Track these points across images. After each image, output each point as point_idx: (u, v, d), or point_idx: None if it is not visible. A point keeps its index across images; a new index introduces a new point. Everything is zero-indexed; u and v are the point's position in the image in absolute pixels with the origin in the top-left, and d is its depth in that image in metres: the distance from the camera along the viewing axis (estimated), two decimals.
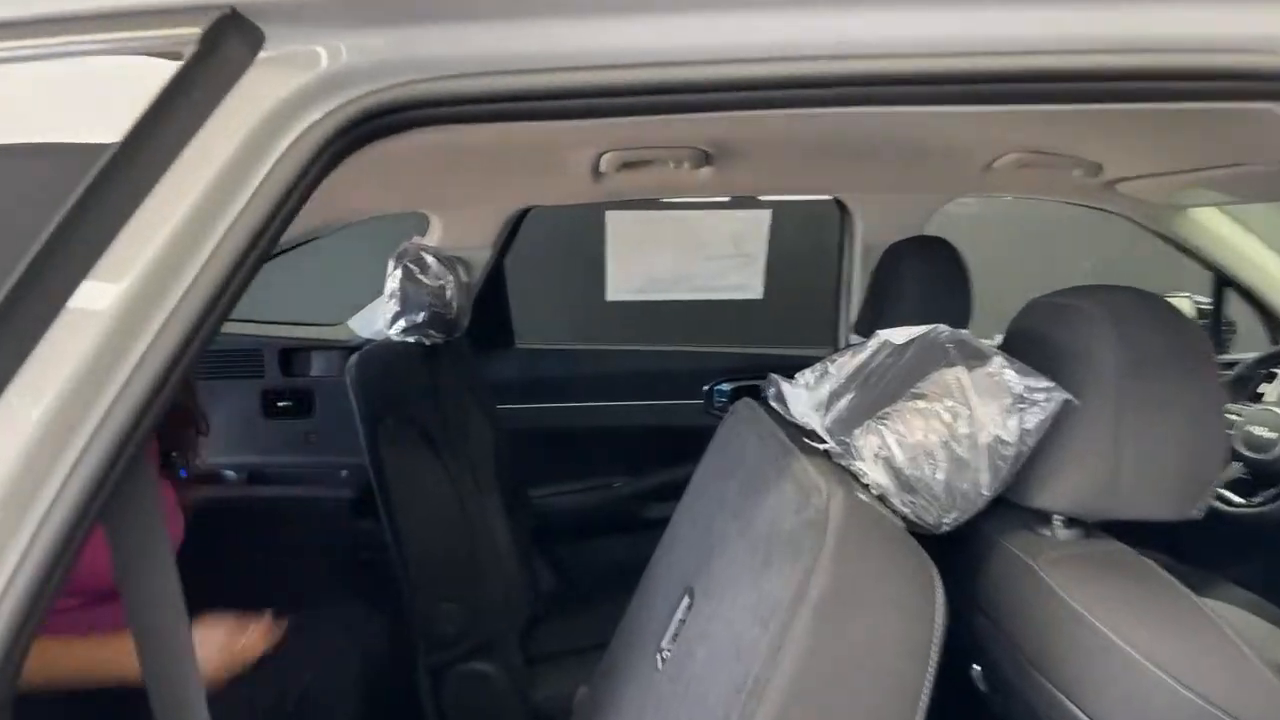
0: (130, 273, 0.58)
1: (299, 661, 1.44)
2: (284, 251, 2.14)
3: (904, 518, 0.88)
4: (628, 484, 2.27)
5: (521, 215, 2.11)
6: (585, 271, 2.34)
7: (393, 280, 1.66)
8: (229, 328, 2.11)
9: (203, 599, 1.76)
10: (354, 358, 1.58)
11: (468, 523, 1.60)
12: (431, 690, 1.62)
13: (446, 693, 1.62)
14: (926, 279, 1.48)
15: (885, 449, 0.87)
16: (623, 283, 2.25)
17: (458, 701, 1.62)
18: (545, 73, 0.69)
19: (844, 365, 1.00)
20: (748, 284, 2.29)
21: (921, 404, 0.88)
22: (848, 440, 0.89)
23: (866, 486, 0.88)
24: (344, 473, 2.09)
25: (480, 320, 2.21)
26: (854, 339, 2.10)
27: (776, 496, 0.84)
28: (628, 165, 1.93)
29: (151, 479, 0.65)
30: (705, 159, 1.90)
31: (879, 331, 1.01)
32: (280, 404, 2.14)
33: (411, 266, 1.65)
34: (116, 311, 0.57)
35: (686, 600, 0.98)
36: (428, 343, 1.70)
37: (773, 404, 1.06)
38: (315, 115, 0.63)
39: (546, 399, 2.29)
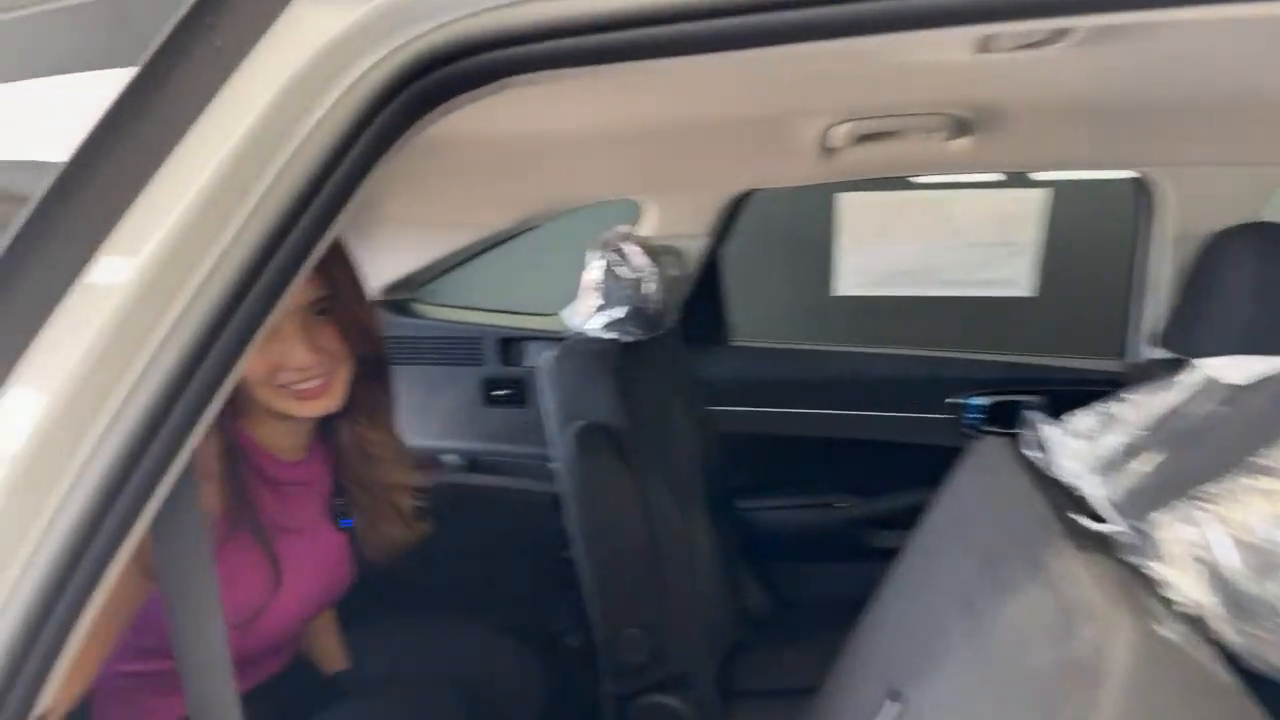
0: (145, 249, 0.46)
1: (477, 664, 1.37)
2: (504, 241, 2.11)
3: (1232, 658, 0.58)
4: (852, 505, 2.00)
5: (740, 200, 1.91)
6: (810, 262, 2.08)
7: (592, 272, 1.54)
8: (451, 315, 2.14)
9: (401, 580, 1.75)
10: (549, 355, 1.48)
11: (656, 545, 1.44)
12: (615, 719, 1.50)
13: None
14: (1268, 282, 1.09)
15: (1208, 547, 0.57)
16: (854, 275, 1.98)
17: None
18: None
19: (1143, 407, 0.70)
20: (1015, 279, 1.93)
21: (1273, 483, 0.58)
22: (1145, 527, 0.61)
23: (1172, 605, 0.59)
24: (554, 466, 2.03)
25: (694, 314, 2.04)
26: (1156, 353, 1.68)
27: (1026, 607, 0.58)
28: (864, 138, 1.66)
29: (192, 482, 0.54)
30: (963, 128, 1.58)
31: (1200, 362, 0.70)
32: (498, 393, 2.11)
33: (611, 258, 1.51)
34: (131, 295, 0.46)
35: (895, 708, 0.74)
36: (628, 340, 1.55)
37: (1027, 452, 0.78)
38: (370, 59, 0.47)
39: (763, 402, 2.07)
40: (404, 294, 2.15)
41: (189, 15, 0.45)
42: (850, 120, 1.61)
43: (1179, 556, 0.59)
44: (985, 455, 0.88)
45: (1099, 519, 0.66)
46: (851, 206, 1.89)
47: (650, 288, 1.51)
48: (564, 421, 1.43)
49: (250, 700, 1.05)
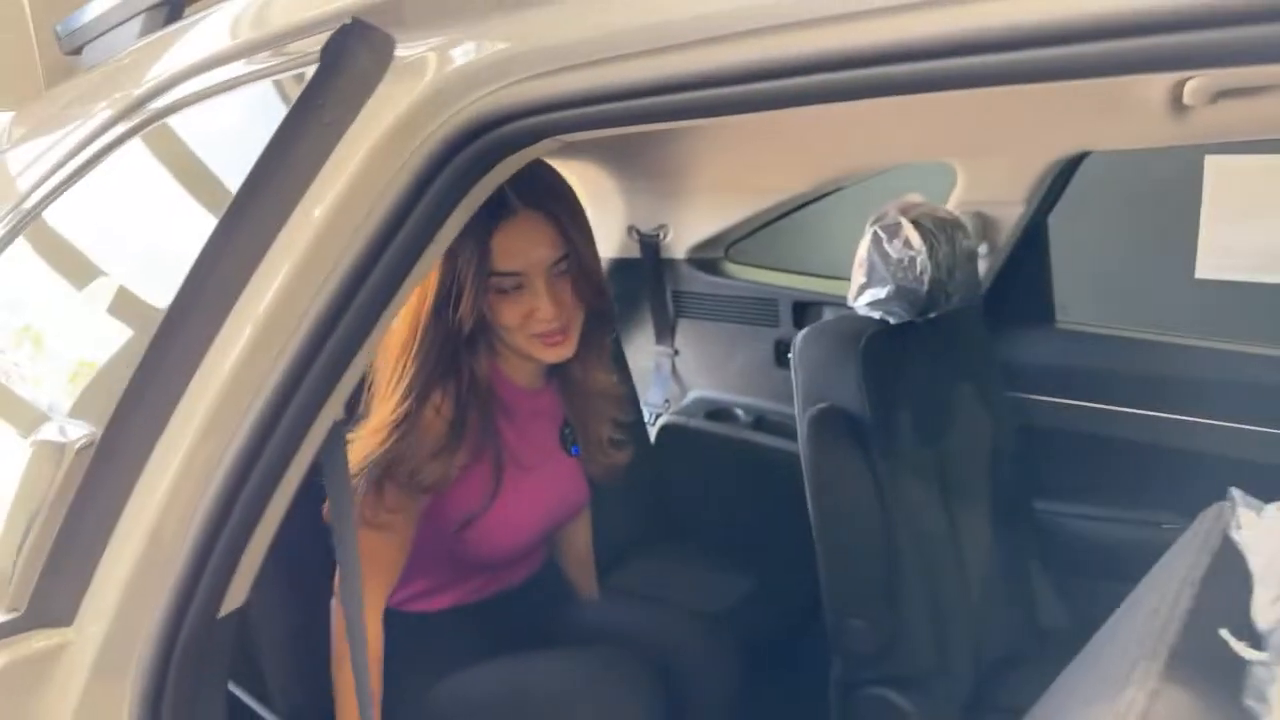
0: (283, 269, 0.59)
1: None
2: (810, 203, 2.08)
3: None
4: (1183, 529, 1.68)
5: (1073, 163, 1.65)
6: (1162, 237, 1.74)
7: (862, 247, 1.47)
8: (754, 275, 2.19)
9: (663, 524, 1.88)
10: (801, 335, 1.46)
11: (891, 538, 1.38)
12: (839, 704, 1.48)
13: (852, 713, 1.46)
14: None
15: None
16: (1222, 256, 1.62)
17: None
18: (703, 46, 0.47)
19: None
20: None
21: None
22: (1266, 685, 0.48)
23: None
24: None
25: (1008, 291, 1.84)
26: None
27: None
28: (1228, 94, 1.34)
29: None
30: None
31: None
32: (789, 355, 2.13)
33: (880, 233, 1.43)
34: (274, 300, 0.60)
35: None
36: (893, 320, 1.47)
37: (1233, 535, 0.63)
38: (429, 127, 0.54)
39: (1090, 396, 1.81)
40: (711, 253, 2.23)
41: (304, 96, 0.56)
42: (1210, 71, 1.31)
43: None
44: (1206, 521, 0.71)
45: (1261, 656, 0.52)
46: (1222, 172, 1.54)
47: (921, 266, 1.41)
48: (805, 404, 1.41)
49: (482, 609, 1.25)
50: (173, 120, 0.74)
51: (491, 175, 0.56)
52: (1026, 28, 0.42)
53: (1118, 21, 0.39)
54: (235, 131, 0.65)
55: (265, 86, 0.62)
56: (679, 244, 2.18)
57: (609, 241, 2.19)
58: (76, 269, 0.93)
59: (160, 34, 0.90)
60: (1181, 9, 0.37)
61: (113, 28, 1.12)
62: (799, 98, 0.49)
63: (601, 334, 1.23)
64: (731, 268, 2.22)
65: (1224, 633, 0.54)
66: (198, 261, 0.60)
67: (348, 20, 0.54)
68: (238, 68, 0.66)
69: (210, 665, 0.70)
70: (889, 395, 1.42)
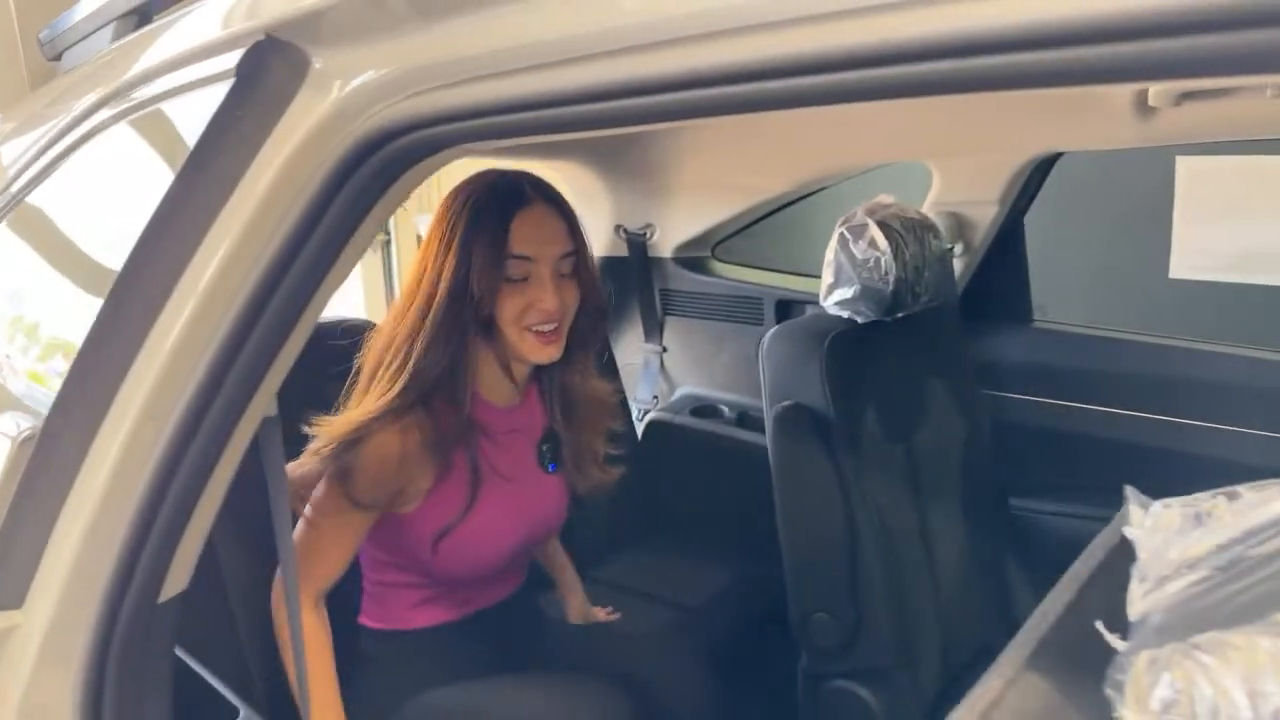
0: (203, 280, 0.62)
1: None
2: (793, 202, 2.10)
3: None
4: None
5: (1047, 164, 1.66)
6: (1138, 237, 1.76)
7: (830, 248, 1.49)
8: (739, 274, 2.21)
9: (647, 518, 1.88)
10: (769, 333, 1.48)
11: (854, 534, 1.40)
12: (806, 696, 1.50)
13: (818, 706, 1.48)
14: None
15: (1182, 703, 0.46)
16: (1196, 256, 1.62)
17: (824, 719, 1.47)
18: (605, 59, 0.50)
19: (1250, 511, 0.55)
20: None
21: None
22: (1122, 675, 0.50)
23: None
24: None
25: (983, 289, 1.85)
26: None
27: None
28: (1193, 96, 1.35)
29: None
30: None
31: None
32: None
33: (846, 234, 1.45)
34: (197, 304, 0.63)
35: None
36: (860, 320, 1.49)
37: (1126, 531, 0.65)
38: (338, 135, 0.57)
39: (1065, 394, 1.82)
40: (697, 251, 2.25)
41: (221, 109, 0.59)
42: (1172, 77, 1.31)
43: (1151, 711, 0.47)
44: (1116, 519, 0.73)
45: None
46: (1194, 173, 1.55)
47: (886, 267, 1.43)
48: (772, 401, 1.43)
49: (466, 624, 1.26)
50: (120, 127, 0.77)
51: (401, 183, 0.59)
52: (989, 33, 0.41)
53: (1101, 26, 0.38)
54: (173, 140, 0.68)
55: (197, 97, 0.65)
56: (665, 243, 2.20)
57: (597, 240, 2.22)
58: (45, 264, 0.97)
59: (124, 41, 0.93)
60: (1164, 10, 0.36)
61: (89, 34, 1.15)
62: (673, 111, 0.51)
63: (596, 338, 1.23)
64: (718, 266, 2.24)
65: (1098, 624, 0.56)
66: (129, 263, 0.63)
67: (261, 37, 0.57)
68: (176, 77, 0.69)
69: (153, 650, 0.73)
70: (854, 392, 1.43)
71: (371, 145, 0.56)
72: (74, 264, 0.89)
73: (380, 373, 1.09)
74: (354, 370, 1.15)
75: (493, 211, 1.07)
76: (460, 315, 1.06)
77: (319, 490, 1.07)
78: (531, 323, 1.09)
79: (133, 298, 0.64)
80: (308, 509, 1.06)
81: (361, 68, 0.57)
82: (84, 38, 1.16)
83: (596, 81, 0.51)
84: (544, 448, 1.26)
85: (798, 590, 1.44)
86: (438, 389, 1.09)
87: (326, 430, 1.04)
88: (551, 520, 1.30)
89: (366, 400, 1.08)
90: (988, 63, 0.44)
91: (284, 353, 0.64)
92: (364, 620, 1.25)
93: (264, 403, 0.67)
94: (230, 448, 0.66)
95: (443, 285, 1.06)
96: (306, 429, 1.05)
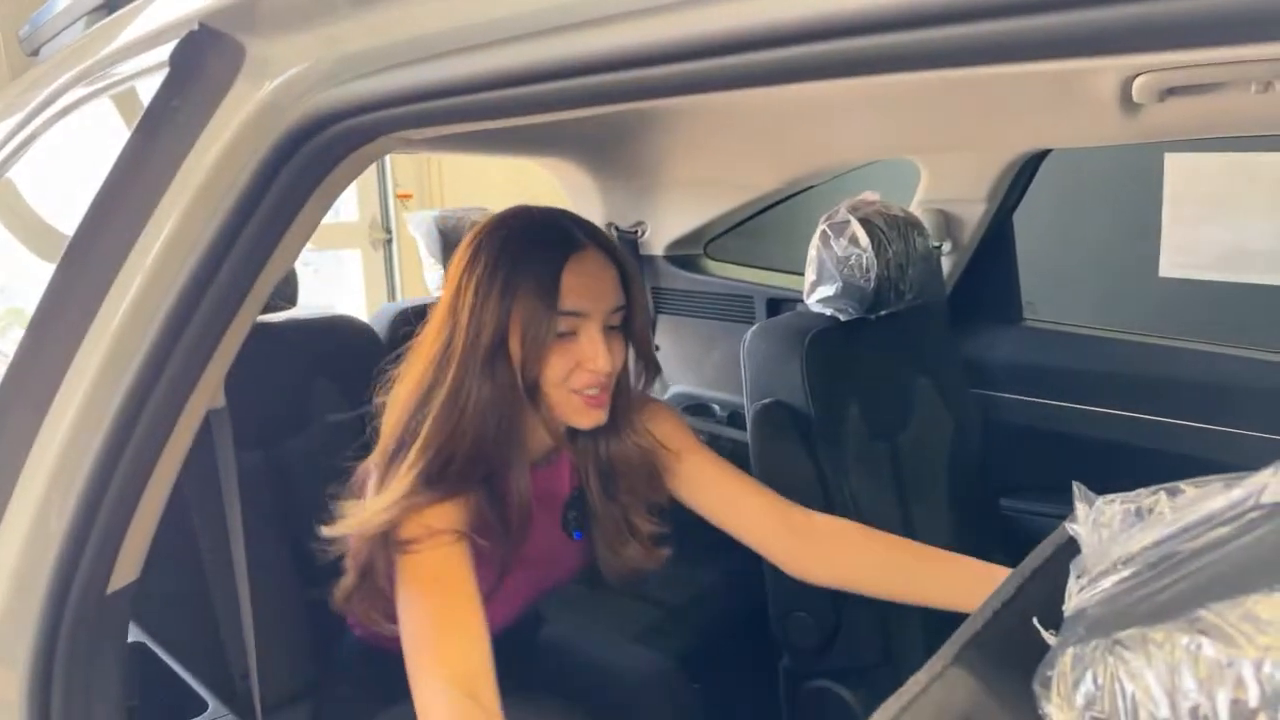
0: (139, 274, 0.62)
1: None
2: (780, 202, 2.09)
3: None
4: None
5: (1035, 161, 1.65)
6: (1129, 236, 1.74)
7: (813, 245, 1.48)
8: (730, 272, 2.20)
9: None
10: (750, 331, 1.47)
11: None
12: (787, 695, 1.50)
13: (799, 705, 1.47)
14: None
15: (1105, 699, 0.45)
16: (1185, 254, 1.60)
17: (805, 718, 1.46)
18: (538, 38, 0.49)
19: (1190, 506, 0.54)
20: None
21: (1202, 644, 0.44)
22: (1051, 671, 0.49)
23: None
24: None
25: (972, 288, 1.84)
26: None
27: None
28: (1176, 91, 1.33)
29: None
30: None
31: None
32: None
33: (828, 231, 1.44)
34: (133, 298, 0.63)
35: None
36: (842, 318, 1.48)
37: (1070, 527, 0.64)
38: (272, 124, 0.57)
39: (1056, 393, 1.80)
40: (689, 249, 2.24)
41: (156, 99, 0.59)
42: (1155, 71, 1.30)
43: (1073, 708, 0.46)
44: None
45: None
46: (1183, 170, 1.53)
47: (866, 264, 1.42)
48: (752, 399, 1.43)
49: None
50: (75, 115, 0.78)
51: (338, 172, 0.59)
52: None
53: None
54: (119, 128, 0.69)
55: (142, 86, 0.65)
56: (657, 240, 2.20)
57: None
58: (11, 246, 0.97)
59: (88, 32, 0.94)
60: None
61: (63, 29, 1.16)
62: (609, 94, 0.50)
63: (645, 400, 1.10)
64: (709, 264, 2.24)
65: (1035, 620, 0.56)
66: (71, 250, 0.63)
67: (196, 27, 0.57)
68: (125, 67, 0.69)
69: (103, 641, 0.73)
70: (835, 390, 1.42)
71: (305, 133, 0.55)
72: (37, 248, 0.89)
73: (405, 453, 0.93)
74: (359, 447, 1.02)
75: (538, 260, 0.94)
76: (504, 376, 0.93)
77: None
78: (579, 385, 0.96)
79: (76, 284, 0.64)
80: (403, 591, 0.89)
81: (295, 56, 0.56)
82: (59, 32, 1.16)
83: (525, 63, 0.50)
84: (571, 514, 1.12)
85: (777, 589, 1.43)
86: (479, 462, 0.94)
87: (353, 523, 0.90)
88: (567, 578, 1.17)
89: (395, 483, 0.91)
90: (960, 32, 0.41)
91: (225, 343, 0.64)
92: (350, 623, 1.22)
93: (208, 394, 0.66)
94: (174, 438, 0.66)
95: (484, 342, 0.92)
96: (325, 529, 0.92)
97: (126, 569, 0.72)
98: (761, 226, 2.22)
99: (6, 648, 0.71)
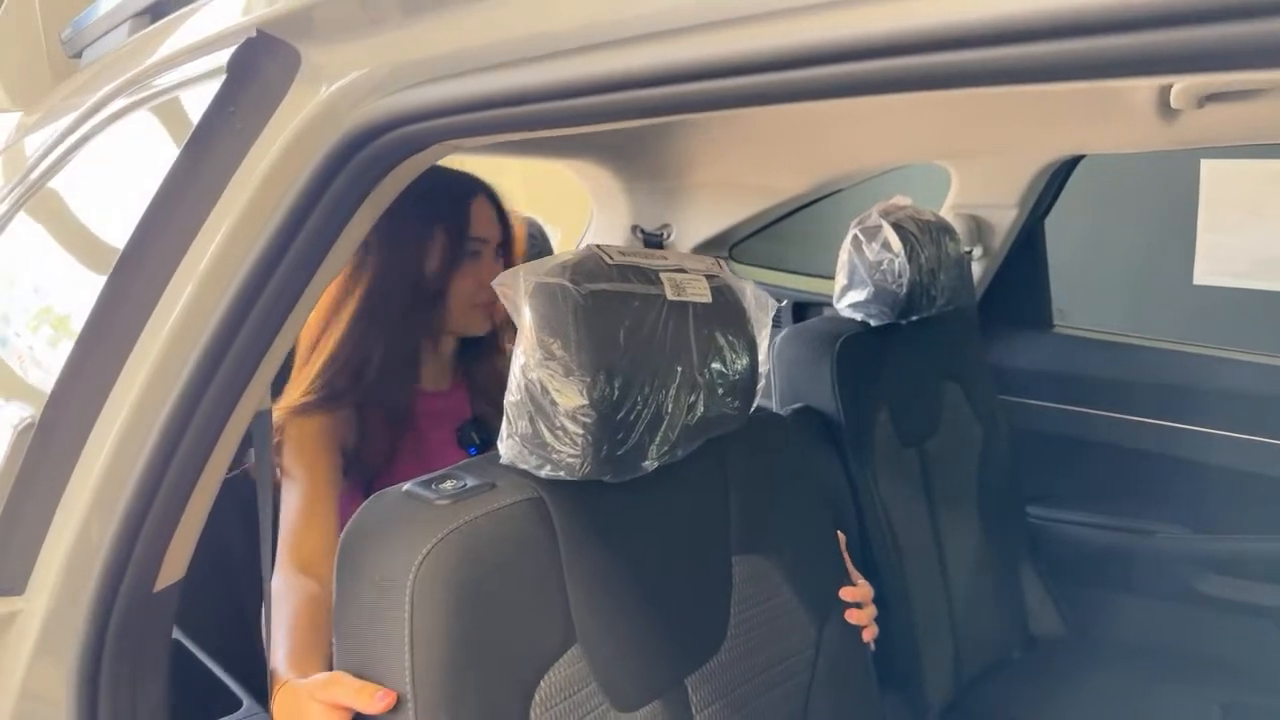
0: (195, 276, 0.63)
1: None
2: (811, 204, 2.08)
3: None
4: (1181, 538, 1.66)
5: (1067, 167, 1.63)
6: (1162, 242, 1.72)
7: (844, 250, 1.47)
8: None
9: None
10: (779, 336, 1.46)
11: (865, 538, 1.38)
12: None
13: None
14: None
15: None
16: (1221, 262, 1.59)
17: None
18: (589, 52, 0.49)
19: None
20: None
21: None
22: None
23: None
24: None
25: (1002, 294, 1.83)
26: None
27: None
28: (1216, 98, 1.31)
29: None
30: None
31: None
32: None
33: (860, 236, 1.44)
34: (185, 306, 0.63)
35: None
36: (873, 323, 1.47)
37: None
38: (325, 132, 0.57)
39: (1086, 401, 1.79)
40: (715, 253, 2.24)
41: (213, 105, 0.60)
42: (1193, 77, 1.29)
43: None
44: None
45: None
46: (1219, 176, 1.51)
47: (899, 269, 1.41)
48: (782, 404, 1.42)
49: None
50: (124, 122, 0.79)
51: (389, 181, 0.59)
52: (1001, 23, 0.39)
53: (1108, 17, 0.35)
54: (173, 135, 0.69)
55: (195, 92, 0.66)
56: (683, 243, 2.19)
57: (614, 240, 2.22)
58: (63, 255, 0.99)
59: (136, 37, 0.95)
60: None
61: (106, 32, 1.17)
62: (662, 107, 0.51)
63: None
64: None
65: None
66: (125, 256, 0.64)
67: (253, 33, 0.58)
68: (177, 73, 0.70)
69: (149, 638, 0.74)
70: (865, 396, 1.42)
71: (359, 140, 0.56)
72: (87, 249, 0.90)
73: (314, 358, 1.12)
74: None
75: (448, 200, 1.17)
76: (408, 299, 1.12)
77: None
78: (484, 300, 1.17)
79: (128, 292, 0.65)
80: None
81: (350, 64, 0.57)
82: (102, 35, 1.18)
83: (576, 76, 0.50)
84: (470, 433, 1.26)
85: None
86: (384, 376, 1.13)
87: None
88: None
89: (293, 387, 1.11)
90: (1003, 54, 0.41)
91: (275, 347, 0.64)
92: None
93: (257, 396, 0.67)
94: (223, 439, 0.66)
95: (399, 269, 1.12)
96: None
97: (173, 568, 0.73)
98: (785, 231, 2.21)
99: (55, 646, 0.72)
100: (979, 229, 1.75)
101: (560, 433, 0.72)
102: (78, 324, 0.71)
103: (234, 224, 0.61)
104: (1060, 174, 1.65)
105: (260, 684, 1.23)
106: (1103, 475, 1.77)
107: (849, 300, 1.47)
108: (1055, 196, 1.69)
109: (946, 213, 1.76)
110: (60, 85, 1.24)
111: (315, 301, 0.65)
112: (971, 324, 1.71)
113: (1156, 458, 1.70)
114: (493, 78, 0.52)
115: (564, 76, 0.50)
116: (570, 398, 0.70)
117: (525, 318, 0.71)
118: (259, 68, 0.58)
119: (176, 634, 1.04)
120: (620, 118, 0.53)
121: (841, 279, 1.48)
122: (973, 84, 0.46)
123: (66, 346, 0.72)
